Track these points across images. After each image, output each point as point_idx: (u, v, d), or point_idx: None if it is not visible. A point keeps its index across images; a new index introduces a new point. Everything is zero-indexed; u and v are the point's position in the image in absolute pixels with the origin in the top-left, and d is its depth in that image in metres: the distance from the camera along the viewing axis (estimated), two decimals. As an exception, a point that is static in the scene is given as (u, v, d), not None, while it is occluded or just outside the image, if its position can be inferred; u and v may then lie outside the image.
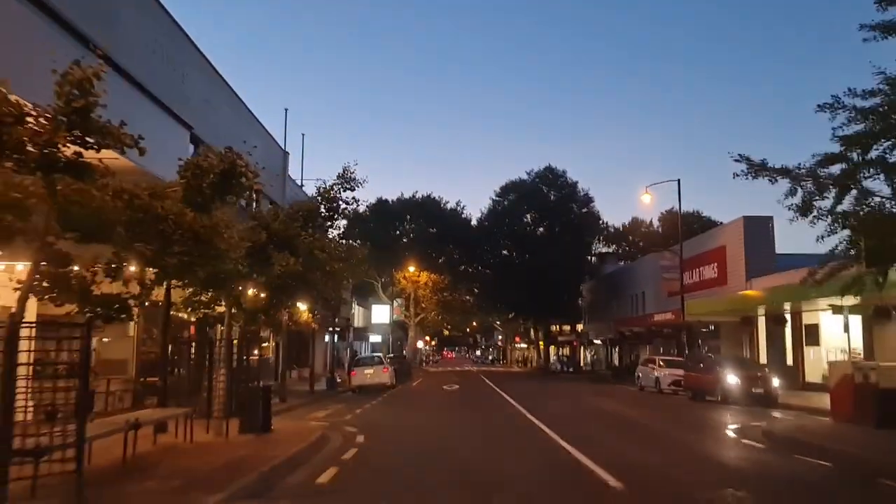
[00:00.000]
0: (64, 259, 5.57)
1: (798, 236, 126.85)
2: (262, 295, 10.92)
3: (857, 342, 23.31)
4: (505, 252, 59.45)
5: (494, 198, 59.49)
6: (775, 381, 21.13)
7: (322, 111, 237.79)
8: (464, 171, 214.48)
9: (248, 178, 7.42)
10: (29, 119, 4.93)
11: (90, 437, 7.20)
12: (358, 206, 13.35)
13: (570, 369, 54.88)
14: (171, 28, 18.15)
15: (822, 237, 12.76)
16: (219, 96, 22.01)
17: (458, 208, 61.98)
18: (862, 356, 22.31)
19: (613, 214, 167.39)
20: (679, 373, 26.22)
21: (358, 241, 20.33)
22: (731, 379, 21.15)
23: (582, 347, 66.76)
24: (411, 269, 55.91)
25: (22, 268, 6.70)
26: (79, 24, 11.17)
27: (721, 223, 42.95)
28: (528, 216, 58.50)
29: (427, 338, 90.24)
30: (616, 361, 53.04)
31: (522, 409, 18.29)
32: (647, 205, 34.99)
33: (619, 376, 43.12)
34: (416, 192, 62.57)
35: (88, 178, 4.95)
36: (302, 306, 19.30)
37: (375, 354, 35.16)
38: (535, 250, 55.04)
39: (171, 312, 15.23)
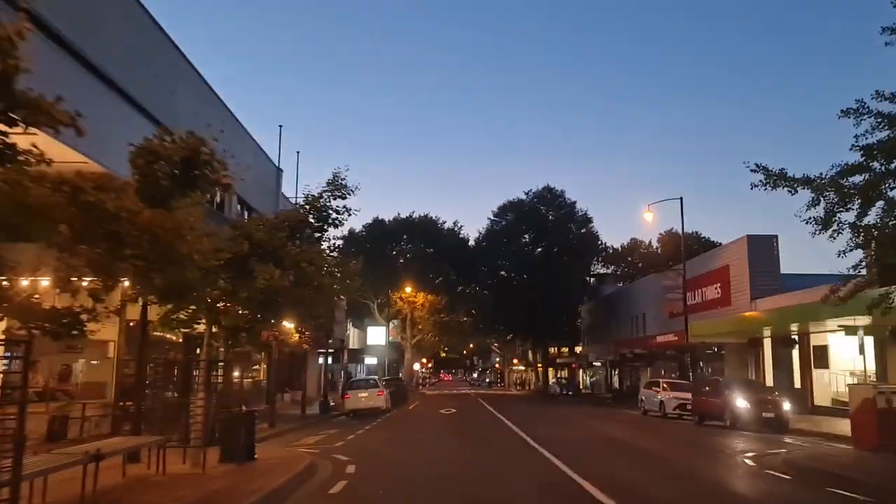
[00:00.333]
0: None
1: (799, 257, 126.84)
2: (245, 311, 10.06)
3: (869, 365, 22.48)
4: (503, 273, 58.75)
5: (492, 218, 59.15)
6: (786, 405, 20.28)
7: (317, 130, 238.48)
8: (461, 191, 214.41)
9: (215, 168, 6.59)
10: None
11: (39, 471, 6.33)
12: (350, 215, 12.58)
13: (570, 392, 53.76)
14: (157, 36, 17.55)
15: (844, 252, 12.10)
16: (209, 110, 21.34)
17: (456, 228, 61.61)
18: (875, 379, 21.48)
19: (612, 235, 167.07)
20: (685, 396, 25.35)
21: (352, 254, 19.36)
22: (741, 403, 20.30)
23: (581, 370, 65.75)
24: (408, 289, 55.15)
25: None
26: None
27: (720, 244, 42.36)
28: (527, 236, 57.89)
29: (424, 360, 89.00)
30: (616, 384, 52.07)
31: (525, 436, 17.33)
32: (650, 223, 34.47)
33: (619, 399, 42.10)
34: (413, 211, 62.39)
35: (13, 162, 4.17)
36: (289, 324, 18.37)
37: (371, 377, 34.18)
38: (534, 271, 54.35)
39: (159, 333, 14.44)
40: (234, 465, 10.57)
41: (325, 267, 11.33)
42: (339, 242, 16.51)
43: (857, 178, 11.46)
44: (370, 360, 56.52)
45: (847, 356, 24.22)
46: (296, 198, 34.02)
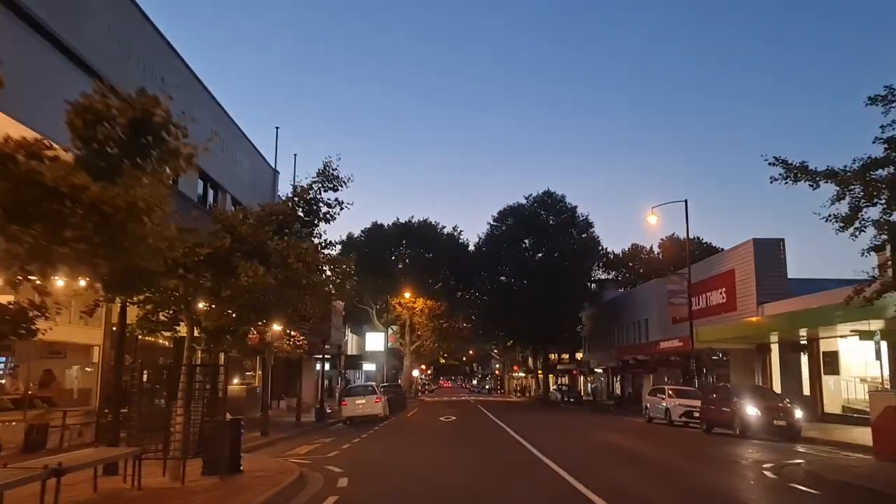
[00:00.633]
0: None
1: (802, 263, 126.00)
2: (228, 312, 9.32)
3: (881, 370, 21.73)
4: (503, 278, 57.99)
5: (492, 223, 58.47)
6: (798, 413, 19.55)
7: (315, 133, 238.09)
8: (461, 196, 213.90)
9: (172, 133, 5.68)
10: None
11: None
12: (343, 208, 11.84)
13: (572, 399, 52.90)
14: (146, 30, 16.97)
15: (867, 251, 11.47)
16: (202, 109, 20.72)
17: (455, 233, 61.03)
18: (890, 386, 20.76)
19: (613, 240, 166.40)
20: (691, 403, 24.62)
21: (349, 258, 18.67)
22: (751, 410, 19.58)
23: (582, 376, 64.93)
24: (407, 295, 54.44)
25: None
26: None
27: (722, 249, 41.66)
28: (527, 241, 57.12)
29: (423, 366, 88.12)
30: (618, 391, 51.26)
31: (528, 445, 16.57)
32: (653, 226, 33.83)
33: (622, 406, 41.24)
34: (413, 216, 61.70)
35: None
36: (278, 327, 17.59)
37: (368, 383, 33.30)
38: (534, 276, 53.62)
39: (152, 338, 13.67)
40: (216, 478, 9.82)
41: (317, 265, 10.57)
42: (337, 248, 15.74)
43: (882, 172, 10.84)
44: (368, 367, 55.72)
45: (858, 362, 23.51)
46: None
